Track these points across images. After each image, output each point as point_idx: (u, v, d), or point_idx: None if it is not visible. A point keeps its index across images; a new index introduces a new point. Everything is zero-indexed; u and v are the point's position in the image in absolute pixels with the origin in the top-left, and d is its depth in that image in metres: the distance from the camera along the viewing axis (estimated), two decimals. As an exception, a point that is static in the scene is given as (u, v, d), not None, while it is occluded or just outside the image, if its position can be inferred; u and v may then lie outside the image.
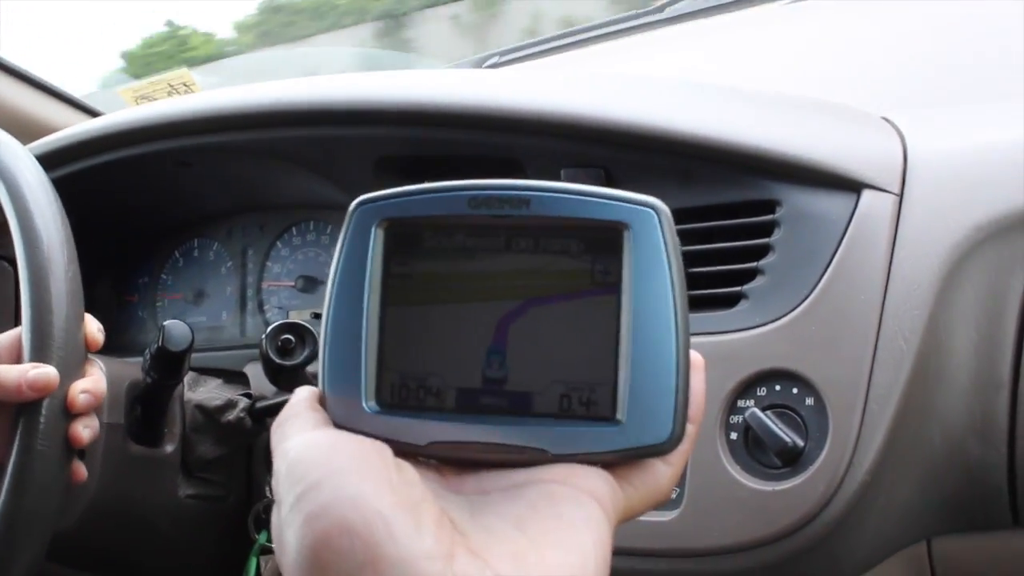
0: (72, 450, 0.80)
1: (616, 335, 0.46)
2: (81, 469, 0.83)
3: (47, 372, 0.78)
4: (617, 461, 0.47)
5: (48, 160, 0.87)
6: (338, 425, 0.47)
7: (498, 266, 0.47)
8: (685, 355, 0.46)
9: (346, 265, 0.48)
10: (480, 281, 0.47)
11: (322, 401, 0.48)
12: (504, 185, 0.47)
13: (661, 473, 0.48)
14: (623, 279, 0.46)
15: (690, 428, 0.48)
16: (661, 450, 0.46)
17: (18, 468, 0.77)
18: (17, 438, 0.78)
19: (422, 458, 0.48)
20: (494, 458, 0.48)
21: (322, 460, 0.42)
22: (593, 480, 0.46)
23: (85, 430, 0.81)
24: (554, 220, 0.47)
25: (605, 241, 0.47)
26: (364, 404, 0.47)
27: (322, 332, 0.49)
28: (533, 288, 0.47)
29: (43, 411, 0.78)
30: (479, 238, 0.48)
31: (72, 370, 0.80)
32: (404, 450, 0.49)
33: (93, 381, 0.82)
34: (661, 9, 1.43)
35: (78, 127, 1.16)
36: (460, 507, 0.45)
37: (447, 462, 0.48)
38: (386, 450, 0.44)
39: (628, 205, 0.47)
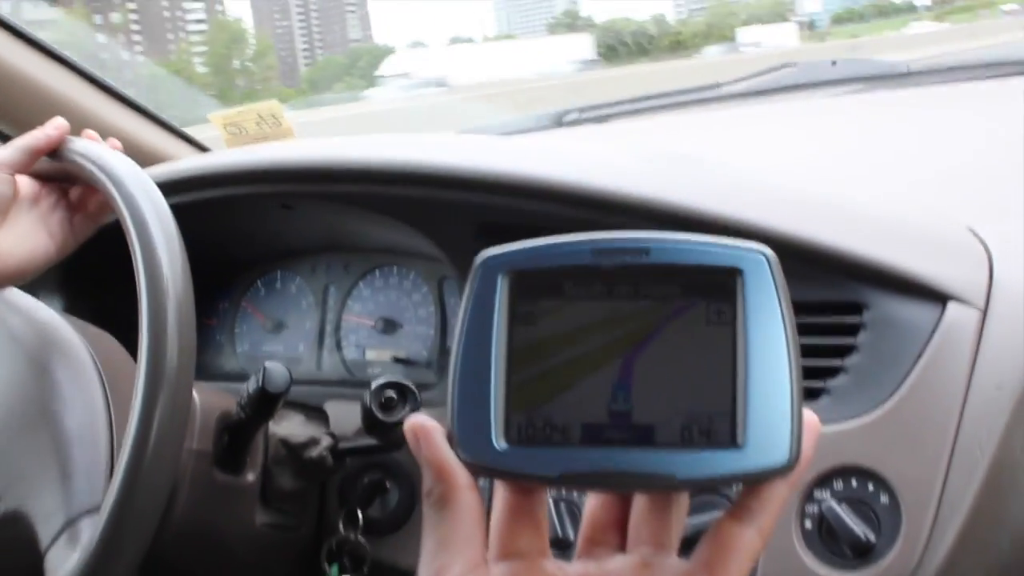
0: None
1: (733, 368, 0.49)
2: None
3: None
4: (740, 482, 0.50)
5: (162, 188, 0.92)
6: (468, 463, 0.51)
7: (619, 310, 0.50)
8: (799, 385, 0.49)
9: (474, 312, 0.51)
10: (602, 323, 0.50)
11: (450, 439, 0.51)
12: (627, 237, 0.51)
13: (751, 548, 0.50)
14: (738, 317, 0.49)
15: (785, 490, 0.50)
16: (782, 471, 0.49)
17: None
18: None
19: (554, 490, 0.53)
20: (624, 487, 0.52)
21: None
22: (727, 567, 0.49)
23: None
24: (673, 267, 0.50)
25: (720, 284, 0.49)
26: (495, 442, 0.50)
27: (450, 374, 0.51)
28: (654, 328, 0.50)
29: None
30: (601, 285, 0.51)
31: None
32: (536, 483, 0.52)
33: None
34: (745, 80, 1.46)
35: (195, 161, 1.21)
36: None
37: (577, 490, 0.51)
38: None
39: (741, 252, 0.50)
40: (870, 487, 0.83)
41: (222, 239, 1.31)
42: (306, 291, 1.36)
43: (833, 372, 0.89)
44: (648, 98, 1.54)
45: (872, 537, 0.82)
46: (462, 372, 0.51)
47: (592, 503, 0.57)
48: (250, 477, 1.07)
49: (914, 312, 0.87)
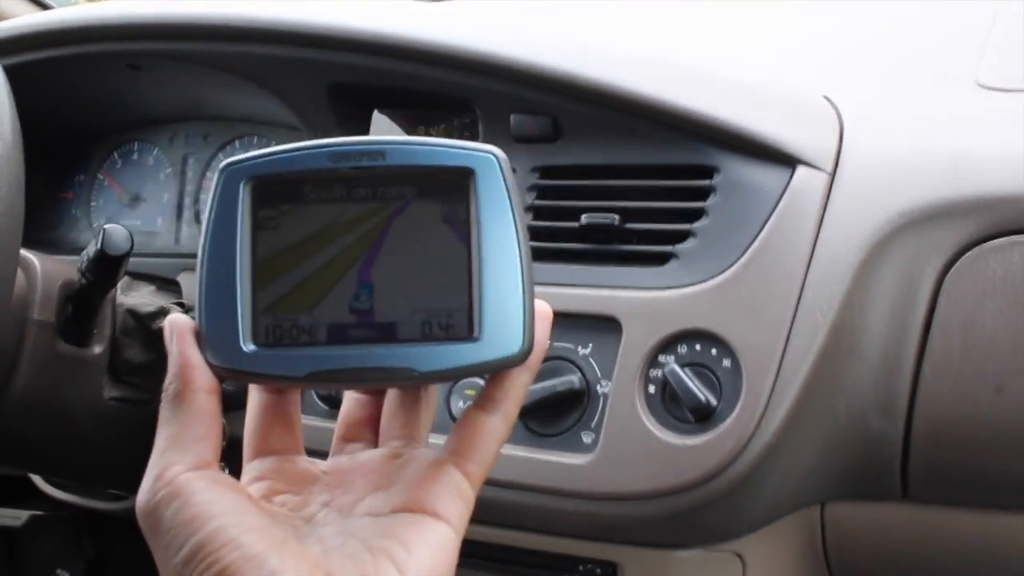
0: None
1: (468, 265, 0.52)
2: None
3: None
4: (477, 373, 0.54)
5: (-4, 48, 0.87)
6: (217, 367, 0.52)
7: (359, 211, 0.53)
8: (529, 279, 0.52)
9: (217, 219, 0.53)
10: (343, 226, 0.53)
11: (200, 342, 0.53)
12: (362, 140, 0.53)
13: (497, 434, 0.54)
14: (471, 217, 0.52)
15: (524, 377, 0.54)
16: (515, 360, 0.52)
17: None
18: None
19: (302, 388, 0.58)
20: (368, 383, 0.56)
21: (204, 517, 0.48)
22: (445, 500, 0.52)
23: None
24: (408, 168, 0.53)
25: (454, 185, 0.53)
26: (242, 345, 0.52)
27: (197, 282, 0.53)
28: (392, 229, 0.53)
29: None
30: (340, 188, 0.53)
31: None
32: (284, 384, 0.55)
33: None
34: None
35: (32, 17, 1.14)
36: (329, 535, 0.51)
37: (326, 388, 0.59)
38: (251, 500, 0.51)
39: (472, 153, 0.53)
40: (713, 351, 0.83)
41: (72, 104, 1.26)
42: (164, 162, 1.31)
43: (683, 236, 0.88)
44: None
45: (713, 401, 0.82)
46: (207, 278, 0.53)
47: (346, 403, 0.61)
48: (96, 349, 1.04)
49: (764, 176, 0.86)
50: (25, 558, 1.46)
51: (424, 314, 0.52)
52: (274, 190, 0.53)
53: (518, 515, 0.87)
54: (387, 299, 0.52)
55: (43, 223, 1.33)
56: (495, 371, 0.54)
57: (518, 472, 0.84)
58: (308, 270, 0.53)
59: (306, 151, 0.53)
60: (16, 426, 0.99)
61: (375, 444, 0.59)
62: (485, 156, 0.53)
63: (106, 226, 0.95)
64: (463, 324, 0.52)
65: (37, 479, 1.25)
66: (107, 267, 0.97)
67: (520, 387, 0.54)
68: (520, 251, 0.52)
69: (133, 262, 0.98)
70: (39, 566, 1.46)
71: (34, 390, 0.99)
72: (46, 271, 1.00)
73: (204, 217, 0.53)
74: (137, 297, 1.09)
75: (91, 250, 0.96)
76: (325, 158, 0.53)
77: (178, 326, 0.53)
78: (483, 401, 0.54)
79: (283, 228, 0.53)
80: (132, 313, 1.06)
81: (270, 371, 0.52)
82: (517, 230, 0.52)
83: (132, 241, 0.96)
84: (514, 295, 0.52)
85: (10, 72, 0.88)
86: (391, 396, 0.59)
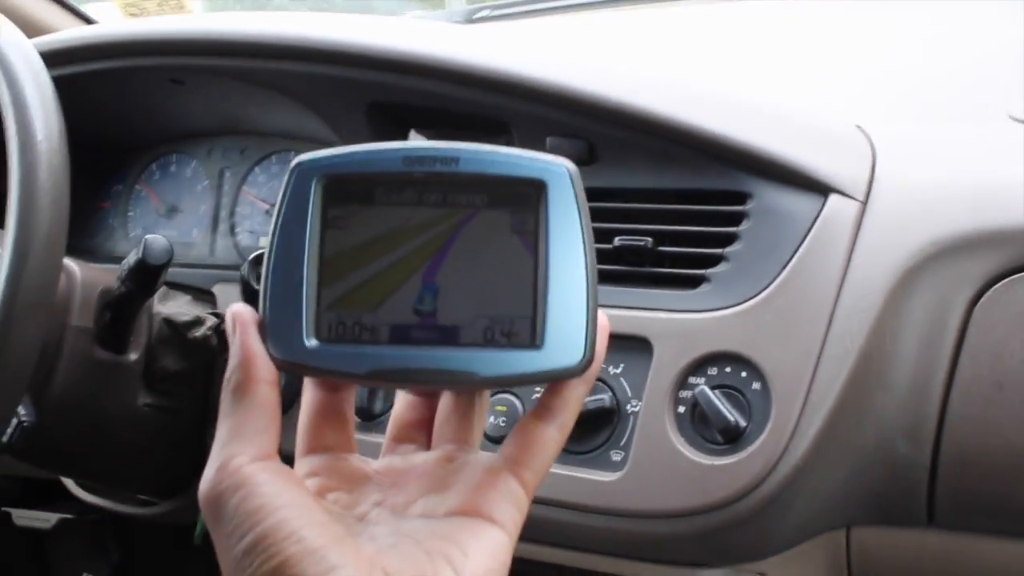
0: None
1: (534, 274, 0.52)
2: None
3: None
4: (537, 382, 0.54)
5: (44, 60, 0.89)
6: (279, 359, 0.52)
7: (428, 216, 0.53)
8: (594, 292, 0.53)
9: (287, 215, 0.53)
10: (412, 229, 0.53)
11: (262, 334, 0.52)
12: (437, 146, 0.53)
13: (553, 443, 0.55)
14: (540, 227, 0.53)
15: (582, 389, 0.55)
16: (575, 371, 0.53)
17: None
18: None
19: (361, 385, 0.57)
20: (428, 384, 0.56)
21: (269, 509, 0.48)
22: (502, 506, 0.53)
23: None
24: (481, 176, 0.53)
25: (525, 195, 0.53)
26: (305, 340, 0.52)
27: (263, 274, 0.53)
28: (460, 235, 0.53)
29: None
30: (411, 192, 0.53)
31: None
32: (344, 380, 0.55)
33: None
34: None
35: (78, 31, 1.17)
36: (381, 535, 0.52)
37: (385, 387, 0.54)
38: (310, 495, 0.51)
39: (545, 165, 0.53)
40: (743, 374, 0.84)
41: (114, 116, 1.28)
42: (201, 175, 1.33)
43: (715, 260, 0.89)
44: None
45: (742, 423, 0.82)
46: (275, 272, 0.53)
47: (399, 405, 0.61)
48: (133, 356, 1.06)
49: (796, 203, 0.87)
50: (53, 560, 1.48)
51: (487, 320, 0.52)
52: (345, 190, 0.53)
53: (546, 530, 0.88)
54: (451, 303, 0.52)
55: (81, 232, 1.35)
56: (555, 380, 0.54)
57: (548, 488, 0.85)
58: (374, 270, 0.52)
59: (380, 153, 0.53)
60: (51, 428, 1.01)
61: (426, 446, 0.59)
62: (558, 169, 0.53)
63: (147, 236, 0.97)
64: (526, 332, 0.52)
65: (68, 482, 1.26)
66: (146, 276, 0.99)
67: (578, 399, 0.55)
68: (587, 264, 0.53)
69: (168, 272, 1.00)
70: (66, 568, 1.48)
71: (70, 393, 1.01)
72: (86, 278, 1.02)
73: (274, 212, 0.53)
74: (174, 306, 1.11)
75: (131, 259, 0.98)
76: (399, 161, 0.52)
77: (241, 317, 0.52)
78: (540, 410, 0.55)
79: (352, 228, 0.53)
80: (168, 322, 1.08)
81: (331, 367, 0.52)
82: (585, 244, 0.53)
83: (171, 252, 0.98)
84: (578, 307, 0.52)
85: (56, 83, 0.90)
86: (445, 399, 0.59)
